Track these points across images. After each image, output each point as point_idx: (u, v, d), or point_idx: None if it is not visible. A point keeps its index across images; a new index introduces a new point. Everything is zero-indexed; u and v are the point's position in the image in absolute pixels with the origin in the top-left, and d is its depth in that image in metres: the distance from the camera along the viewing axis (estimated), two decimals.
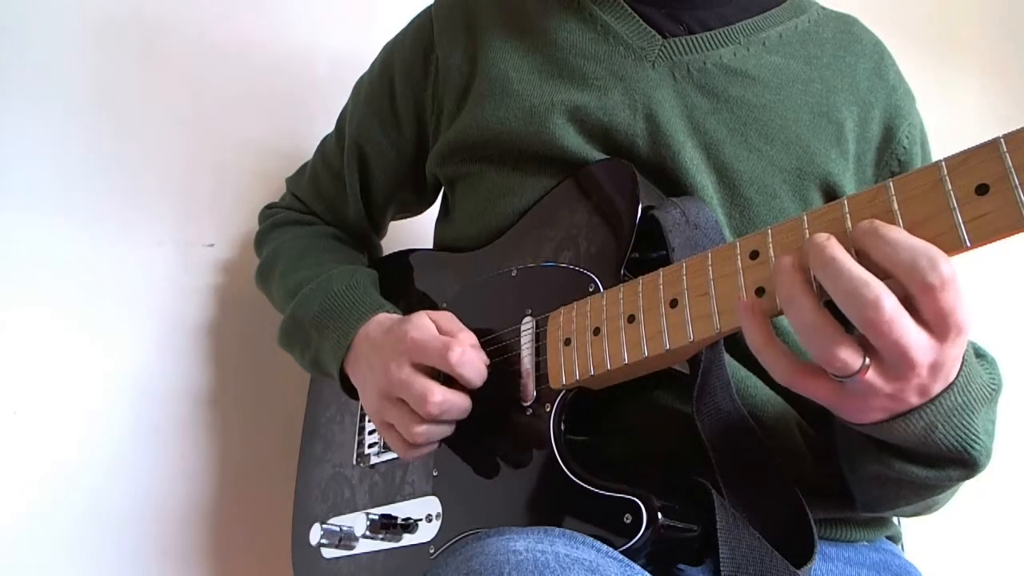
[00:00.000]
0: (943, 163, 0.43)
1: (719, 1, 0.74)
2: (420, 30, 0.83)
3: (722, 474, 0.57)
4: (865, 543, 0.69)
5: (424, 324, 0.65)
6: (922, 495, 0.58)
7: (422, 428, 0.63)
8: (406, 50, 0.83)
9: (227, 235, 1.05)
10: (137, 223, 1.00)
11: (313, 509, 0.82)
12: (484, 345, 0.67)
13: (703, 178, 0.67)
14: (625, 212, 0.63)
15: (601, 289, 0.61)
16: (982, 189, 0.41)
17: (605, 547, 0.50)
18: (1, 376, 0.89)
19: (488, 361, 0.64)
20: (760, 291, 0.49)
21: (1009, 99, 1.70)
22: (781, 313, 0.47)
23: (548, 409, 0.61)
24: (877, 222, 0.43)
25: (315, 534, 0.72)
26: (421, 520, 0.68)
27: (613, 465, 0.61)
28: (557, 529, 0.50)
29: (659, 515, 0.52)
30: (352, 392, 0.73)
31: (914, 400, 0.46)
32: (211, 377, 1.00)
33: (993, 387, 0.53)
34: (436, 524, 0.67)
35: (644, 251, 0.63)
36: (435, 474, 0.69)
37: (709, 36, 0.72)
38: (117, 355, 0.95)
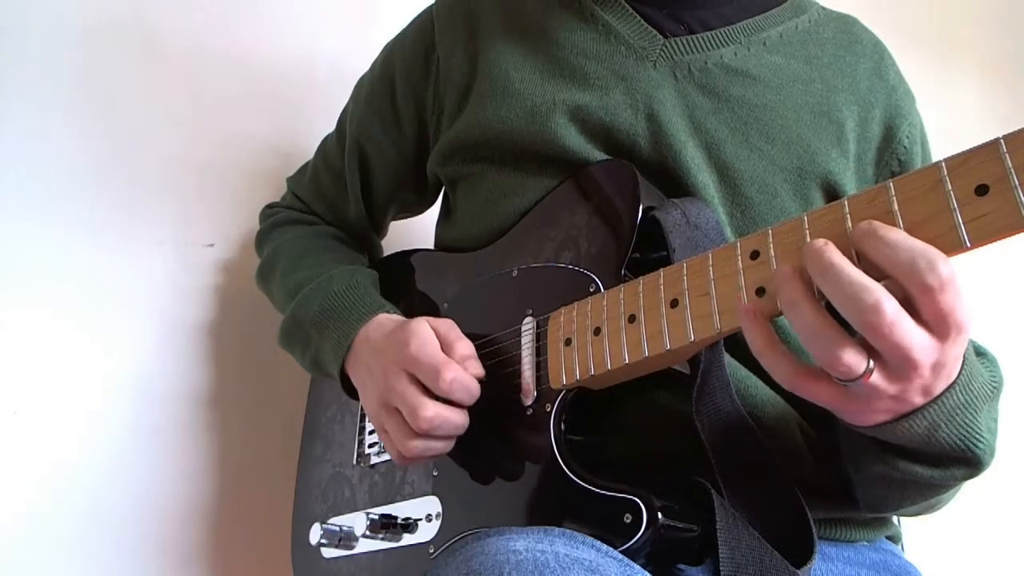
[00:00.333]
0: (943, 164, 0.43)
1: (720, 1, 0.74)
2: (421, 30, 0.83)
3: (722, 474, 0.57)
4: (865, 543, 0.69)
5: (423, 335, 0.64)
6: (927, 495, 0.58)
7: (415, 443, 0.63)
8: (407, 50, 0.83)
9: (227, 235, 1.05)
10: (137, 223, 1.00)
11: (313, 509, 0.82)
12: (484, 346, 0.68)
13: (704, 177, 0.67)
14: (626, 213, 0.63)
15: (602, 289, 0.61)
16: (982, 190, 0.41)
17: (605, 547, 0.50)
18: (1, 376, 0.89)
19: (483, 374, 0.64)
20: (761, 291, 0.49)
21: (1009, 99, 1.70)
22: (783, 314, 0.47)
23: (548, 409, 0.61)
24: (876, 223, 0.43)
25: (315, 534, 0.72)
26: (421, 520, 0.68)
27: (613, 465, 0.61)
28: (557, 529, 0.50)
29: (659, 515, 0.52)
30: (353, 392, 0.73)
31: (918, 400, 0.46)
32: (211, 377, 1.00)
33: (994, 384, 0.53)
34: (436, 524, 0.67)
35: (645, 252, 0.63)
36: (435, 474, 0.69)
37: (710, 36, 0.72)
38: (117, 355, 0.95)
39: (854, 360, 0.43)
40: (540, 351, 0.64)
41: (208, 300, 1.02)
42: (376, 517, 0.69)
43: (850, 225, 0.45)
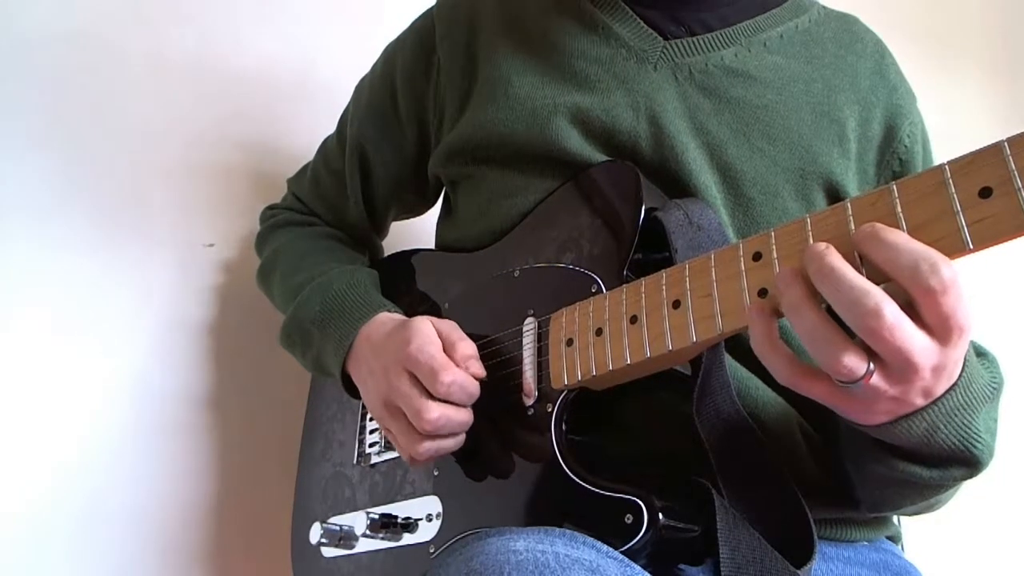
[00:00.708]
0: (946, 166, 0.43)
1: (720, 2, 0.74)
2: (422, 32, 0.83)
3: (722, 474, 0.57)
4: (865, 543, 0.69)
5: (425, 335, 0.64)
6: (926, 495, 0.58)
7: (425, 446, 0.62)
8: (408, 51, 0.83)
9: (227, 235, 1.05)
10: (137, 223, 0.99)
11: (313, 508, 0.82)
12: (485, 346, 0.68)
13: (706, 178, 0.67)
14: (628, 213, 0.63)
15: (604, 290, 0.61)
16: (985, 192, 0.41)
17: (605, 547, 0.50)
18: (1, 376, 0.88)
19: (484, 374, 0.64)
20: (763, 292, 0.49)
21: (1009, 99, 1.70)
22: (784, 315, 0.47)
23: (549, 409, 0.61)
24: (878, 225, 0.43)
25: (315, 533, 0.72)
26: (421, 519, 0.68)
27: (614, 465, 0.61)
28: (557, 529, 0.50)
29: (660, 515, 0.52)
30: (354, 391, 0.73)
31: (919, 401, 0.46)
32: (211, 377, 1.00)
33: (994, 385, 0.53)
34: (436, 524, 0.67)
35: (647, 252, 0.63)
36: (436, 474, 0.69)
37: (710, 37, 0.72)
38: (117, 355, 0.95)
39: (854, 363, 0.43)
40: (541, 351, 0.64)
41: (208, 300, 1.02)
42: (376, 516, 0.69)
43: (853, 227, 0.45)
